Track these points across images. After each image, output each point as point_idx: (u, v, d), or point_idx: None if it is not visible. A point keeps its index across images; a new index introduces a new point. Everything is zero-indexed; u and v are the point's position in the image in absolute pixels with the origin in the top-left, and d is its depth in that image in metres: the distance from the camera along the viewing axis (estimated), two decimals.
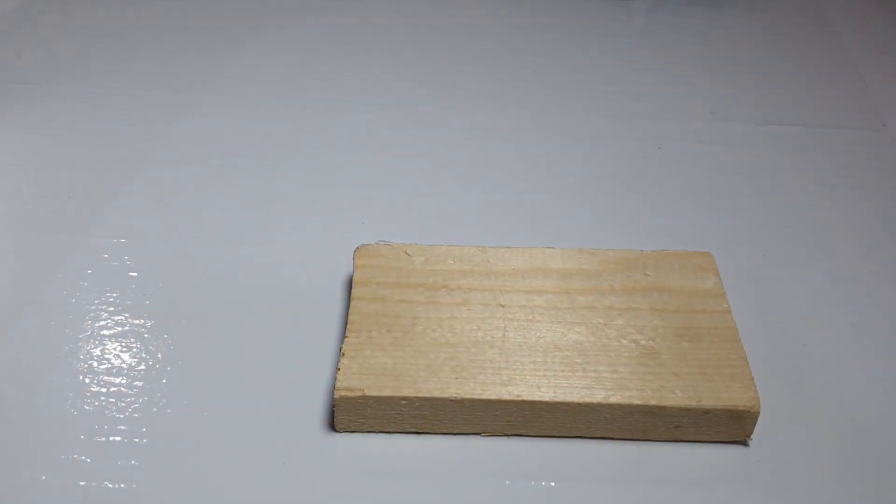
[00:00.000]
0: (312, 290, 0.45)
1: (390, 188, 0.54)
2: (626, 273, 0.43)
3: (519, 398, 0.37)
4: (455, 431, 0.39)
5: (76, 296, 0.46)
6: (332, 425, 0.39)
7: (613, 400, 0.37)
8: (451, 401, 0.37)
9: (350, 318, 0.41)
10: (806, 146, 0.58)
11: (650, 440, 0.39)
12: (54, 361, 0.43)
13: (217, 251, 0.49)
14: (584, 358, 0.39)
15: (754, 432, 0.38)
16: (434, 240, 0.46)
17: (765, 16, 0.74)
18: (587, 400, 0.37)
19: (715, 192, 0.54)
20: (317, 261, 0.48)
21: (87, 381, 0.41)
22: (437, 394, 0.37)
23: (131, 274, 0.48)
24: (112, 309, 0.46)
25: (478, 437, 0.39)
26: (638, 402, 0.37)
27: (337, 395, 0.37)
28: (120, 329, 0.44)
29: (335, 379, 0.38)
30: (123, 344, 0.43)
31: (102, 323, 0.45)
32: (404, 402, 0.37)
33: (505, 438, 0.39)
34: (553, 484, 0.37)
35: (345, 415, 0.38)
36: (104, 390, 0.41)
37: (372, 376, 0.38)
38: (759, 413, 0.37)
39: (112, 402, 0.40)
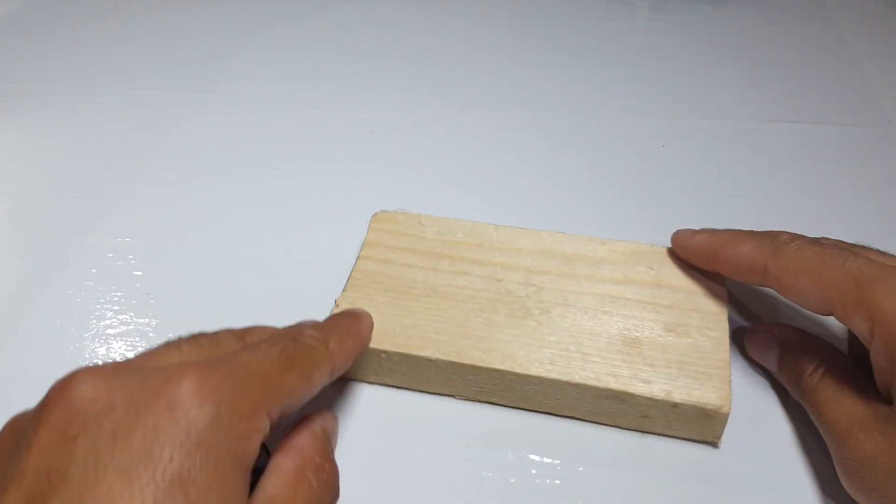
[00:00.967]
0: (320, 290, 0.45)
1: (394, 188, 0.54)
2: (631, 265, 0.43)
3: (489, 366, 0.38)
4: (431, 391, 0.41)
5: (81, 295, 0.47)
6: None
7: (580, 379, 0.38)
8: (427, 360, 0.39)
9: (353, 274, 0.43)
10: (811, 143, 0.58)
11: (619, 427, 0.39)
12: (59, 360, 0.43)
13: (222, 249, 0.49)
14: (565, 338, 0.39)
15: (725, 435, 0.38)
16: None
17: (769, 12, 0.74)
18: (555, 376, 0.38)
19: (720, 189, 0.54)
20: (323, 257, 0.48)
21: None
22: (413, 352, 0.39)
23: (136, 273, 0.48)
24: (117, 308, 0.46)
25: (452, 399, 0.41)
26: (606, 385, 0.37)
27: None
28: (125, 328, 0.44)
29: None
30: (128, 343, 0.44)
31: (107, 322, 0.45)
32: (384, 355, 0.39)
33: (477, 404, 0.40)
34: (510, 454, 0.39)
35: None
36: None
37: None
38: (728, 414, 0.37)
39: None
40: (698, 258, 0.42)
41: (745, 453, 0.39)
